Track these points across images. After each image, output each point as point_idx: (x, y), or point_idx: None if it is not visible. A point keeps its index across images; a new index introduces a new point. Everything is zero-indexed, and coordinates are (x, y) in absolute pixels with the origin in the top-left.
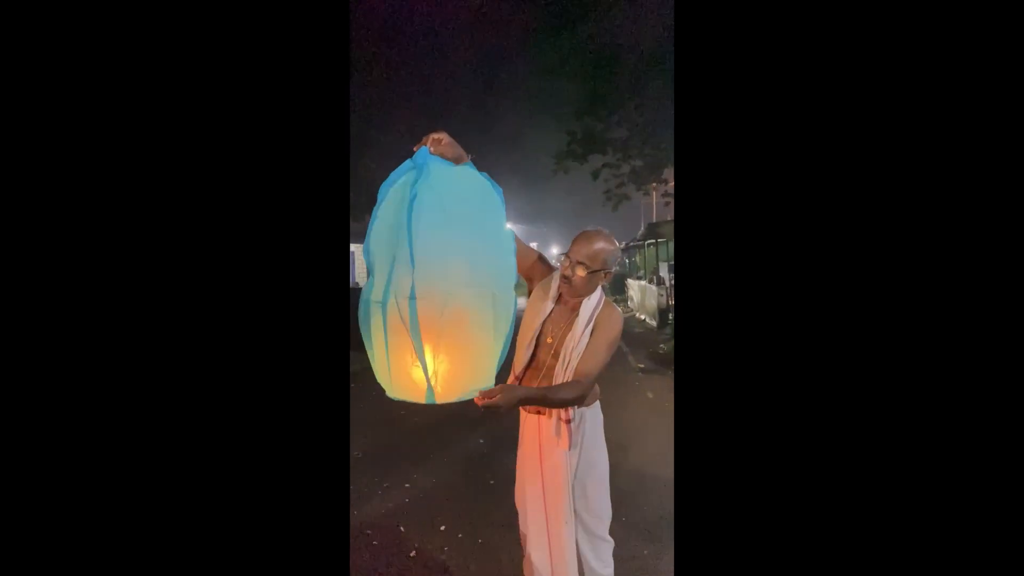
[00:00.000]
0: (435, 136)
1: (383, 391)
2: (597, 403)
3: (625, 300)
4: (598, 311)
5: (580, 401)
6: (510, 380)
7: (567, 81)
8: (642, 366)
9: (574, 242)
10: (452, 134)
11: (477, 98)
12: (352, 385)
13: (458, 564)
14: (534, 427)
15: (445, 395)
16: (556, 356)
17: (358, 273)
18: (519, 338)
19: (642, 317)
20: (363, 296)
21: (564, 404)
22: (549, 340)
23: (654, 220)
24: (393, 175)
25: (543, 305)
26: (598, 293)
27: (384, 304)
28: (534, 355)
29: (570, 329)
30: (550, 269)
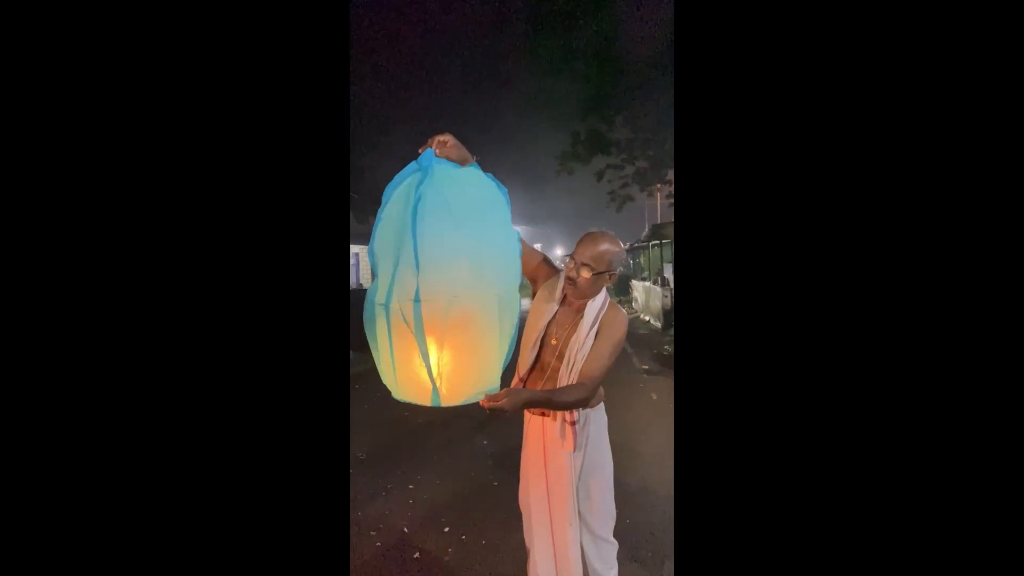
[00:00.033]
0: (440, 139)
1: (388, 392)
2: (602, 405)
3: (629, 301)
4: (603, 313)
5: (585, 403)
6: (514, 382)
7: (570, 81)
8: (646, 367)
9: (579, 244)
10: (453, 135)
11: (479, 98)
12: (356, 386)
13: (462, 565)
14: (538, 428)
15: (450, 397)
16: (560, 358)
17: (363, 275)
18: (523, 340)
19: (646, 318)
20: (367, 298)
21: (569, 407)
22: (553, 342)
23: (658, 221)
24: (398, 177)
25: (547, 307)
26: (603, 295)
27: (387, 306)
28: (538, 357)
29: (575, 331)
30: (555, 271)
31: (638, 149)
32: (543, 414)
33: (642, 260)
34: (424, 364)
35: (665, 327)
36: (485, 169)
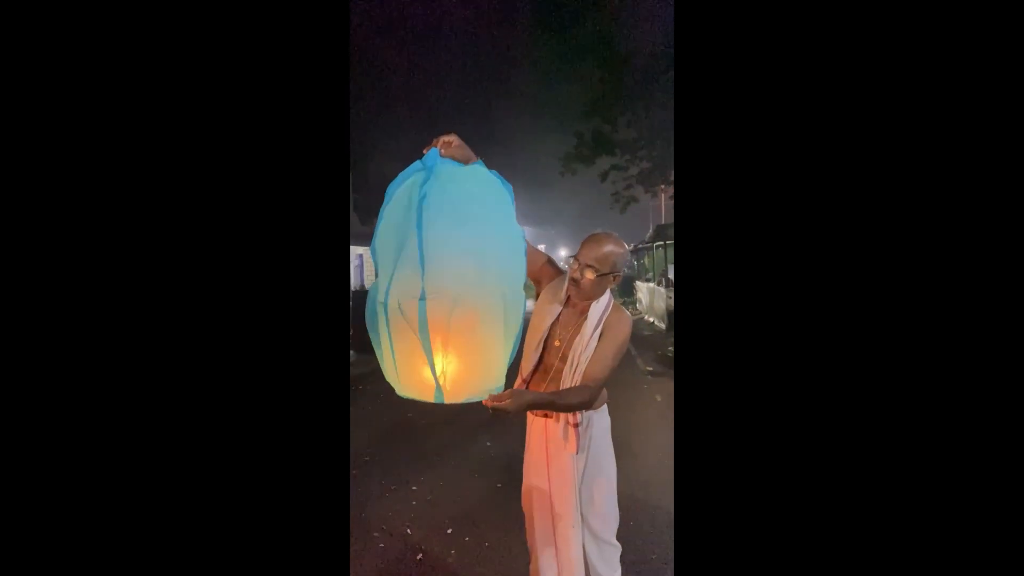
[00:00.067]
0: (445, 139)
1: (391, 394)
2: (605, 407)
3: (634, 302)
4: (607, 314)
5: (588, 405)
6: (517, 383)
7: (573, 82)
8: (650, 369)
9: (583, 245)
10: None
11: (481, 99)
12: (359, 387)
13: (465, 567)
14: (541, 430)
15: (454, 395)
16: (564, 359)
17: (366, 276)
18: (527, 341)
19: (650, 319)
20: (370, 296)
21: (572, 409)
22: (557, 343)
23: (662, 222)
24: (401, 176)
25: (551, 308)
26: (607, 296)
27: (386, 305)
28: (541, 358)
29: (578, 332)
30: (558, 272)
31: (642, 150)
32: (546, 416)
33: (646, 261)
34: (428, 362)
35: (669, 328)
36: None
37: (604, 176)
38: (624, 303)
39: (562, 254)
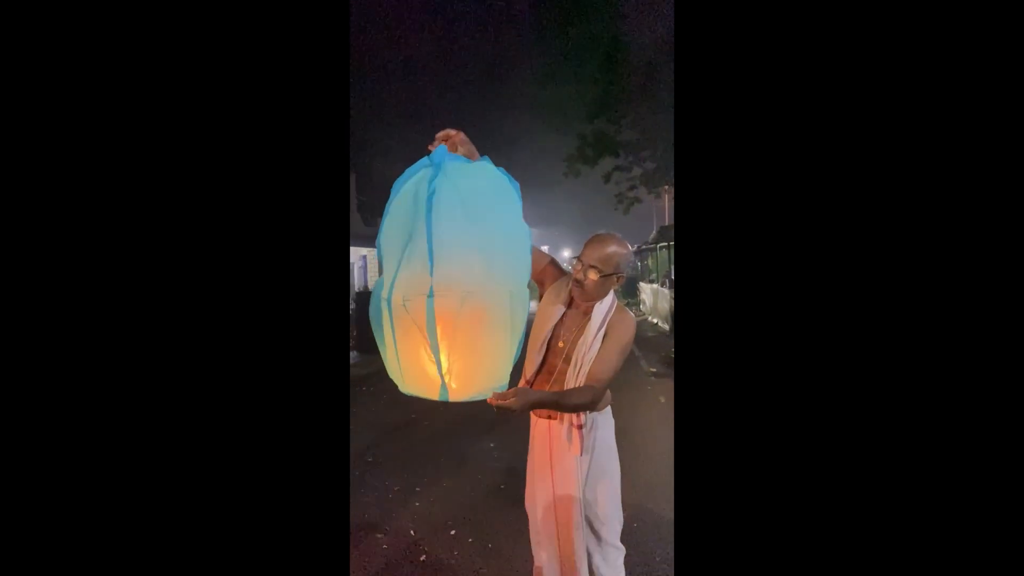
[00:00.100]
0: (450, 132)
1: (395, 396)
2: (608, 408)
3: (637, 304)
4: (610, 315)
5: (593, 406)
6: (520, 384)
7: (576, 83)
8: (654, 370)
9: (586, 245)
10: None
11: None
12: (363, 388)
13: (468, 568)
14: (544, 432)
15: (459, 393)
16: (568, 361)
17: (370, 277)
18: (530, 342)
19: (654, 321)
20: (374, 292)
21: (577, 409)
22: (561, 345)
23: (666, 223)
24: (408, 171)
25: (554, 309)
26: (610, 297)
27: (390, 301)
28: (545, 360)
29: (582, 334)
30: (562, 273)
31: (645, 151)
32: (550, 417)
33: (650, 262)
34: (433, 359)
35: (673, 330)
36: None
37: (607, 177)
38: (628, 304)
39: (565, 255)
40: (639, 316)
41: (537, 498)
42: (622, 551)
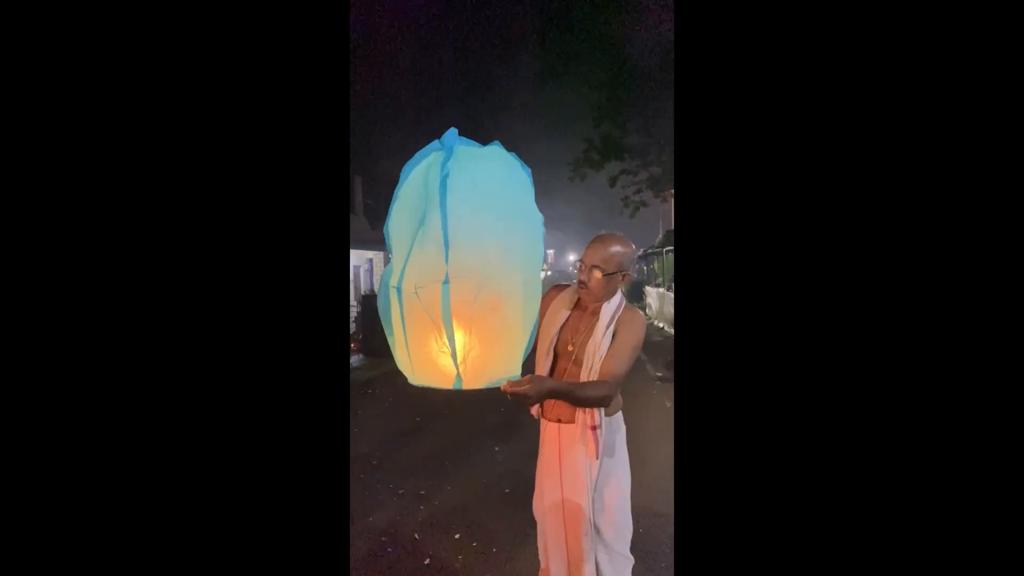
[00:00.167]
0: None
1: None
2: (620, 414)
3: (643, 308)
4: (619, 314)
5: (607, 401)
6: None
7: (582, 87)
8: (660, 375)
9: (588, 246)
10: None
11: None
12: (368, 391)
13: (472, 572)
14: (554, 435)
15: (473, 381)
16: (578, 363)
17: (376, 280)
18: (538, 348)
19: (660, 325)
20: (382, 281)
21: (591, 402)
22: (570, 348)
23: (672, 227)
24: (418, 155)
25: (560, 313)
26: (618, 297)
27: (400, 289)
28: (555, 364)
29: (591, 335)
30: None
31: (651, 154)
32: (559, 421)
33: (655, 266)
34: (449, 347)
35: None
36: None
37: (613, 181)
38: None
39: (571, 259)
40: (646, 321)
41: (546, 504)
42: (631, 561)
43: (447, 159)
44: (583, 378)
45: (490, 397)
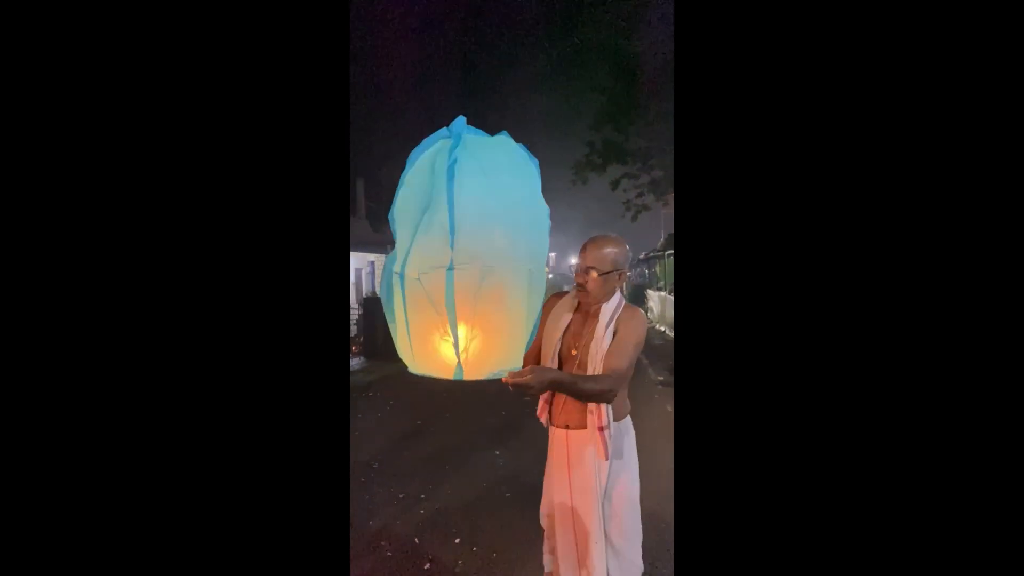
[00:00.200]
0: None
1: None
2: (628, 418)
3: (646, 311)
4: (619, 312)
5: (610, 396)
6: (540, 405)
7: (584, 90)
8: (661, 379)
9: (582, 249)
10: None
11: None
12: (369, 394)
13: None
14: (562, 441)
15: (475, 372)
16: (583, 367)
17: (377, 283)
18: (542, 355)
19: (662, 328)
20: (385, 267)
21: (594, 396)
22: (573, 352)
23: (674, 230)
24: (425, 142)
25: (561, 319)
26: (617, 297)
27: (403, 275)
28: (560, 369)
29: (592, 337)
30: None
31: (653, 158)
32: (567, 426)
33: (657, 270)
34: (452, 336)
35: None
36: None
37: (616, 184)
38: None
39: (572, 262)
40: (647, 324)
41: (556, 512)
42: (641, 568)
43: (455, 146)
44: None
45: (490, 399)
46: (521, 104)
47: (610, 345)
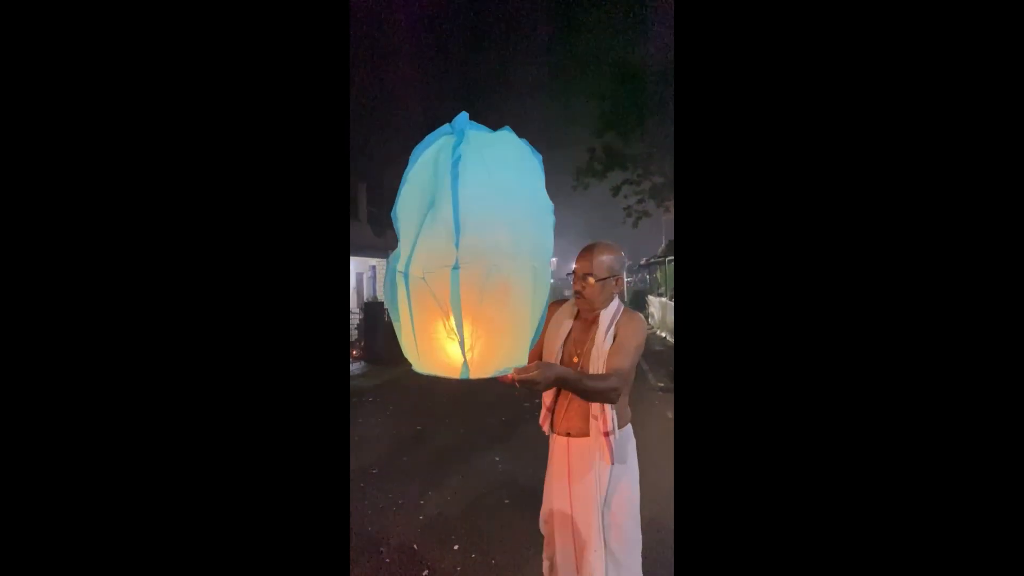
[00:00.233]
0: None
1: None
2: (629, 426)
3: (646, 317)
4: (618, 317)
5: (615, 395)
6: (543, 410)
7: (585, 96)
8: (661, 385)
9: (578, 257)
10: None
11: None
12: (369, 399)
13: None
14: (563, 448)
15: (479, 370)
16: (585, 373)
17: (379, 288)
18: (544, 360)
19: (663, 334)
20: (388, 266)
21: (597, 395)
22: (575, 359)
23: (674, 236)
24: (428, 138)
25: (561, 327)
26: (615, 303)
27: (407, 274)
28: None
29: (593, 344)
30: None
31: (654, 164)
32: (568, 434)
33: (658, 275)
34: (456, 334)
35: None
36: None
37: (617, 190)
38: None
39: (573, 267)
40: (647, 330)
41: (556, 520)
42: None
43: (459, 143)
44: None
45: (491, 403)
46: (522, 108)
47: (611, 346)
